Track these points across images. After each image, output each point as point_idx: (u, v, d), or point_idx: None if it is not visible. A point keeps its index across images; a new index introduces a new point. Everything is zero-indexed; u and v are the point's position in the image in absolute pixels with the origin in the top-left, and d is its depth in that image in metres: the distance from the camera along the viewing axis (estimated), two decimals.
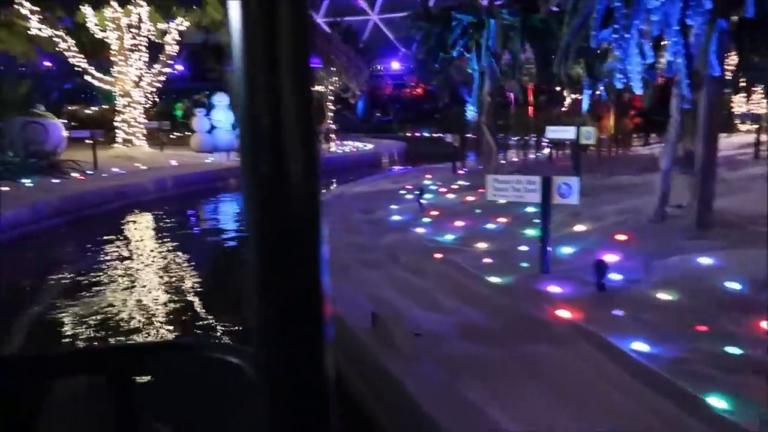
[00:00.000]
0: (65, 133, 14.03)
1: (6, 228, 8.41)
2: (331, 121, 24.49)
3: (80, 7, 12.81)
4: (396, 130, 37.28)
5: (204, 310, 5.69)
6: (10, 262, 7.90)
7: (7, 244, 8.20)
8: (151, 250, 8.17)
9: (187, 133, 21.91)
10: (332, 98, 23.57)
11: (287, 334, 0.53)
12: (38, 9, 14.88)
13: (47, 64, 30.57)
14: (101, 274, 6.85)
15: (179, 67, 24.54)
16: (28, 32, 16.38)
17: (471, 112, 34.81)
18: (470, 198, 8.51)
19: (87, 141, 14.18)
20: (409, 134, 35.03)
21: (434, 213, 7.64)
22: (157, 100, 22.36)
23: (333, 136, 23.40)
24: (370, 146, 23.02)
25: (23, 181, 11.03)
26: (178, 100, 28.42)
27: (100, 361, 1.55)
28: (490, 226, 6.74)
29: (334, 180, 14.94)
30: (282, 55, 0.48)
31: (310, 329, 0.53)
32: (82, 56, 16.49)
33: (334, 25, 25.69)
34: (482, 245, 5.92)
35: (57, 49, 16.79)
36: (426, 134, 34.78)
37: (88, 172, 12.63)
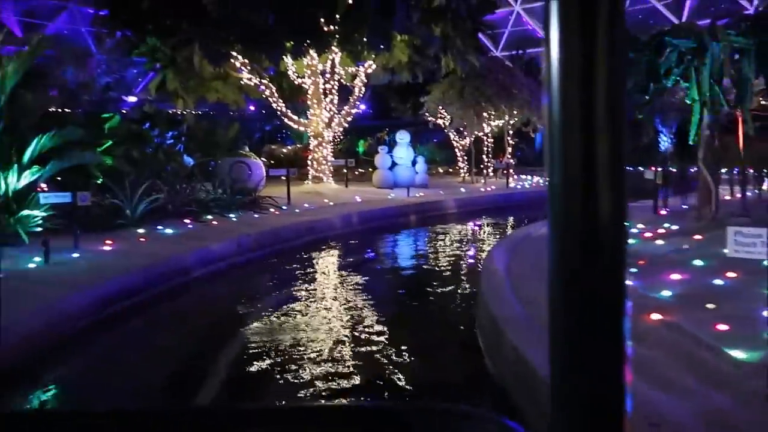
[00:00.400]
0: (264, 172, 15.35)
1: (215, 259, 9.24)
2: (510, 155, 23.91)
3: (284, 57, 14.01)
4: None
5: (403, 356, 5.53)
6: (224, 290, 8.61)
7: (218, 274, 8.99)
8: (348, 284, 8.36)
9: (369, 169, 22.91)
10: (511, 132, 23.03)
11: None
12: (248, 61, 16.61)
13: (251, 108, 34.26)
14: (302, 307, 7.10)
15: (362, 107, 26.01)
16: (240, 82, 18.41)
17: (665, 143, 31.90)
18: (684, 245, 7.43)
19: (282, 178, 15.39)
20: None
21: (641, 262, 6.76)
22: (342, 138, 23.87)
23: (511, 170, 22.81)
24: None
25: (230, 215, 12.17)
26: (360, 138, 30.09)
27: (349, 420, 1.28)
28: (717, 281, 5.72)
29: (515, 217, 14.38)
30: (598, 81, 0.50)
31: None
32: (281, 100, 18.06)
33: (515, 58, 25.26)
34: (711, 306, 4.99)
35: (262, 95, 18.64)
36: None
37: (283, 207, 13.59)
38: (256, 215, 12.48)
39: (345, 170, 20.72)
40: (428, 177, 19.43)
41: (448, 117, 23.81)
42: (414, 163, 19.74)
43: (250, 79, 17.56)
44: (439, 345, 6.23)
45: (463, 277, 9.15)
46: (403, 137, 19.45)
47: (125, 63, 23.34)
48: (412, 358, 5.56)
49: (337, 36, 14.06)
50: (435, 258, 10.55)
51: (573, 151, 0.51)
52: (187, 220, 11.24)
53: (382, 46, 13.78)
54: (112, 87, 23.47)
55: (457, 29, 15.16)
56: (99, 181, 13.11)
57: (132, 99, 26.65)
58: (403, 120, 33.83)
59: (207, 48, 12.92)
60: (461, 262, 10.27)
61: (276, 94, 17.88)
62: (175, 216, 11.43)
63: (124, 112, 21.09)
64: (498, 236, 12.56)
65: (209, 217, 11.74)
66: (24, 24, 39.31)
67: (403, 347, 5.79)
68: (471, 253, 11.15)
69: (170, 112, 21.15)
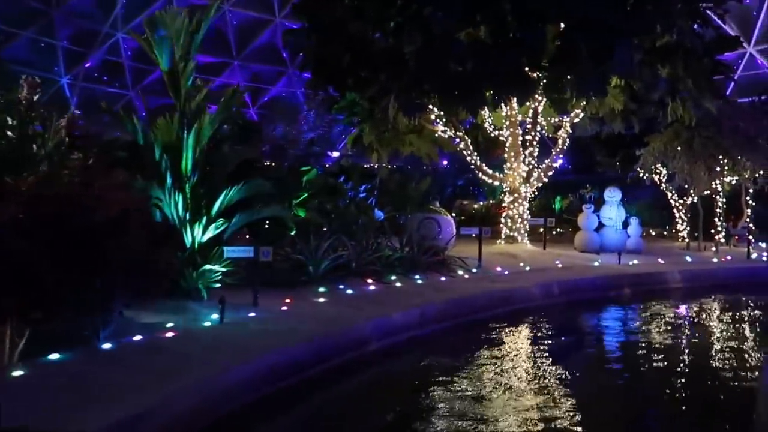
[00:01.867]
0: (455, 229, 14.20)
1: (395, 330, 8.14)
2: (748, 219, 19.79)
3: (481, 109, 12.93)
4: None
5: None
6: (399, 371, 7.45)
7: (395, 349, 7.86)
8: (556, 378, 6.66)
9: (570, 229, 20.61)
10: (751, 190, 19.07)
11: None
12: (443, 113, 15.89)
13: (444, 163, 33.97)
14: (481, 408, 5.57)
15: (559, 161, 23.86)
16: (434, 134, 17.81)
17: None
18: None
19: (473, 236, 14.09)
20: None
21: None
22: (536, 194, 21.93)
23: (751, 237, 18.77)
24: None
25: (415, 276, 11.14)
26: (557, 194, 27.71)
27: None
28: None
29: None
30: None
31: None
32: (476, 153, 16.98)
33: (755, 105, 21.25)
34: None
35: (456, 148, 17.78)
36: None
37: (474, 270, 12.23)
38: (443, 278, 11.28)
39: (542, 230, 18.82)
40: (642, 241, 16.62)
41: (664, 172, 20.67)
42: (625, 224, 17.12)
43: (444, 132, 16.81)
44: None
45: (712, 379, 6.84)
46: (613, 195, 16.99)
47: (330, 120, 24.36)
48: None
49: (543, 82, 12.61)
50: (667, 349, 8.22)
51: None
52: (369, 280, 10.45)
53: (593, 94, 11.98)
54: (315, 142, 24.73)
55: (689, 69, 12.75)
56: (293, 233, 13.06)
57: (335, 154, 27.88)
58: (608, 175, 30.71)
59: (403, 99, 12.34)
60: (707, 358, 7.83)
61: (470, 147, 16.85)
62: (358, 274, 10.72)
63: (327, 166, 21.83)
64: (757, 326, 9.71)
65: (393, 277, 10.82)
66: (250, 89, 44.33)
67: None
68: (718, 346, 8.57)
69: (365, 165, 21.37)
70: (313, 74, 14.19)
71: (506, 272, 12.28)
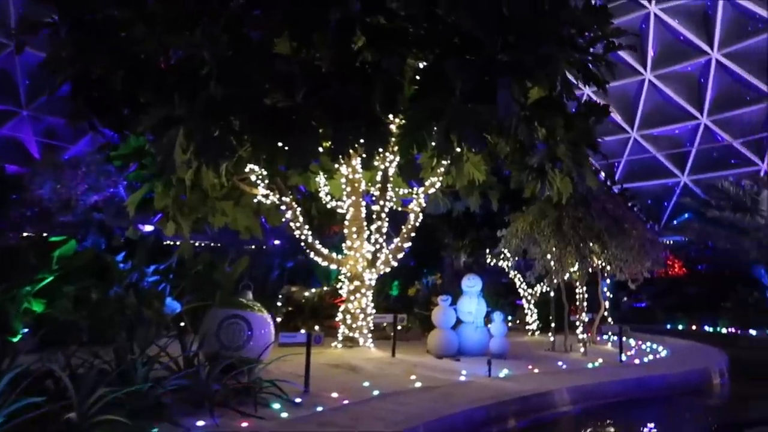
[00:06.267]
0: (273, 329, 9.81)
1: None
2: (606, 312, 18.07)
3: (313, 158, 9.08)
4: (661, 321, 29.09)
5: None
6: None
7: None
8: None
9: (417, 322, 17.24)
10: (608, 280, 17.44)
11: None
12: (266, 171, 11.89)
13: (276, 242, 29.45)
14: None
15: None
16: (254, 200, 13.67)
17: None
18: None
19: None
20: (690, 329, 26.66)
21: None
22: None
23: (613, 336, 16.93)
24: (664, 352, 15.87)
25: (197, 424, 6.53)
26: (395, 279, 24.53)
27: None
28: None
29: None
30: None
31: None
32: (307, 227, 13.05)
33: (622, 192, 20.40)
34: None
35: (284, 221, 13.75)
36: (716, 330, 26.14)
37: (296, 401, 7.91)
38: (244, 424, 6.79)
39: (386, 327, 15.18)
40: (508, 342, 13.61)
41: (510, 257, 18.45)
42: (485, 320, 14.10)
43: (267, 196, 12.73)
44: None
45: None
46: (472, 284, 13.95)
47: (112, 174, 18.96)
48: None
49: (399, 130, 9.26)
50: None
51: None
52: None
53: (471, 146, 8.85)
54: (101, 207, 19.12)
55: (572, 133, 10.30)
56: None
57: (148, 228, 22.17)
58: (445, 261, 28.63)
59: (200, 136, 8.10)
60: None
61: (301, 218, 12.90)
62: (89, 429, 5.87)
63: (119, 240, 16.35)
64: None
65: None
66: (43, 144, 36.51)
67: None
68: None
69: (163, 240, 16.28)
70: (72, 96, 9.43)
71: (345, 402, 8.13)
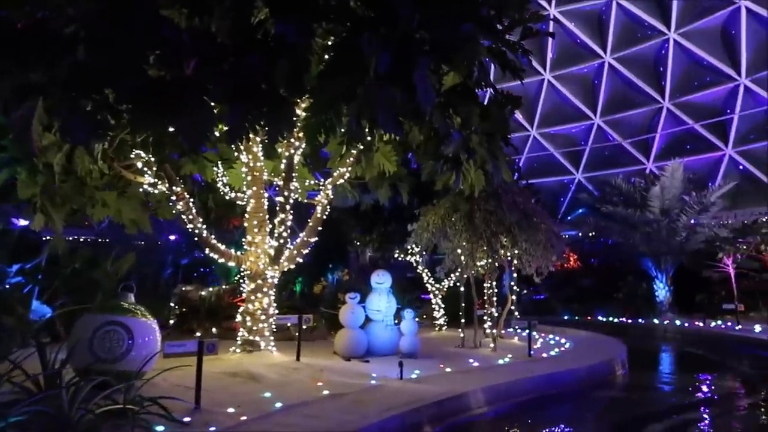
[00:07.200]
0: (159, 337, 8.57)
1: None
2: (513, 307, 18.15)
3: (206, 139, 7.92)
4: (559, 312, 30.19)
5: None
6: None
7: None
8: None
9: (323, 321, 16.37)
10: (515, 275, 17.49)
11: None
12: (153, 157, 10.53)
13: (172, 237, 27.31)
14: None
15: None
16: (140, 190, 12.19)
17: (663, 291, 27.08)
18: None
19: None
20: (585, 319, 27.72)
21: None
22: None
23: (518, 329, 17.00)
24: (568, 344, 16.10)
25: None
26: (299, 276, 23.44)
27: None
28: None
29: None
30: None
31: None
32: (201, 221, 11.78)
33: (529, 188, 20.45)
34: None
35: (174, 212, 12.36)
36: (609, 320, 27.36)
37: (184, 420, 6.82)
38: None
39: (289, 327, 14.24)
40: (419, 341, 13.09)
41: (418, 252, 18.13)
42: (396, 318, 13.52)
43: (154, 185, 11.33)
44: None
45: None
46: (382, 280, 13.31)
47: None
48: None
49: (306, 113, 8.33)
50: None
51: None
52: None
53: (387, 130, 8.13)
54: None
55: (488, 123, 9.87)
56: None
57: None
58: (351, 256, 27.98)
59: (65, 108, 6.74)
60: None
61: (194, 210, 11.60)
62: None
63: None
64: None
65: None
66: None
67: None
68: None
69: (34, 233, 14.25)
70: None
71: (243, 419, 7.12)
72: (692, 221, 26.61)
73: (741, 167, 34.12)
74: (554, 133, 41.98)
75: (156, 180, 11.22)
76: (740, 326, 21.24)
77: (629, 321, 26.24)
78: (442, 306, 19.81)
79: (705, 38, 34.18)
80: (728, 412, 9.85)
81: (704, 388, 11.89)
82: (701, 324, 23.25)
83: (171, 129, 7.34)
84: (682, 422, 9.27)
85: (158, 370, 7.84)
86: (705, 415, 9.67)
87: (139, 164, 11.42)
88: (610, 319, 27.30)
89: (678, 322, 23.97)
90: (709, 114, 34.88)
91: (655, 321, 25.34)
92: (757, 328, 20.32)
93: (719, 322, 23.00)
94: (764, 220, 26.56)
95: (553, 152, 42.01)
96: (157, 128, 7.16)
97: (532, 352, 13.62)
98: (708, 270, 25.48)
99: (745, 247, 24.48)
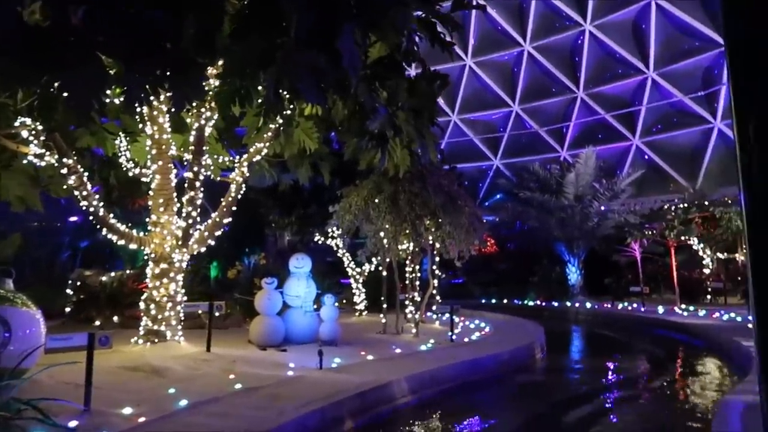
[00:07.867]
0: (43, 329, 7.50)
1: None
2: (435, 291, 18.00)
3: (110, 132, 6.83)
4: (477, 296, 30.64)
5: None
6: None
7: None
8: None
9: (238, 307, 15.46)
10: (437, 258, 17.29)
11: None
12: (39, 122, 9.24)
13: (73, 218, 25.09)
14: None
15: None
16: (25, 160, 10.81)
17: (575, 274, 28.02)
18: None
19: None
20: (502, 303, 28.24)
21: None
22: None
23: (444, 315, 16.84)
24: (487, 328, 16.15)
25: None
26: (213, 260, 22.22)
27: None
28: None
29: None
30: None
31: None
32: (98, 199, 10.58)
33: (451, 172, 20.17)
34: None
35: (66, 188, 11.04)
36: (524, 303, 27.99)
37: (70, 425, 5.91)
38: None
39: (201, 316, 13.29)
40: (339, 327, 12.53)
41: (339, 235, 17.59)
42: (315, 304, 12.88)
43: (41, 156, 10.01)
44: None
45: None
46: (301, 264, 12.61)
47: None
48: None
49: (221, 76, 7.46)
50: None
51: None
52: None
53: (309, 100, 7.42)
54: None
55: (415, 99, 9.37)
56: None
57: None
58: (269, 239, 27.02)
59: None
60: None
61: (88, 186, 10.38)
62: None
63: None
64: None
65: None
66: None
67: None
68: None
69: None
70: None
71: (141, 420, 6.28)
72: (603, 207, 27.67)
73: (646, 157, 35.95)
74: (474, 119, 42.49)
75: (44, 150, 9.90)
76: (645, 308, 22.28)
77: (544, 304, 26.99)
78: (363, 291, 19.39)
79: (618, 31, 35.54)
80: (639, 393, 10.05)
81: (617, 371, 12.16)
82: (610, 306, 24.25)
83: (56, 87, 6.27)
84: (599, 404, 9.32)
85: (43, 366, 6.81)
86: (619, 396, 9.80)
87: (24, 133, 10.05)
88: (526, 302, 27.99)
89: (588, 305, 24.89)
90: (619, 105, 36.43)
91: (568, 304, 26.20)
92: (660, 309, 21.38)
93: (626, 304, 24.06)
94: (667, 207, 28.04)
95: (472, 138, 42.53)
96: (33, 84, 6.08)
97: (454, 337, 13.44)
98: (617, 254, 26.59)
99: (651, 232, 25.71)
